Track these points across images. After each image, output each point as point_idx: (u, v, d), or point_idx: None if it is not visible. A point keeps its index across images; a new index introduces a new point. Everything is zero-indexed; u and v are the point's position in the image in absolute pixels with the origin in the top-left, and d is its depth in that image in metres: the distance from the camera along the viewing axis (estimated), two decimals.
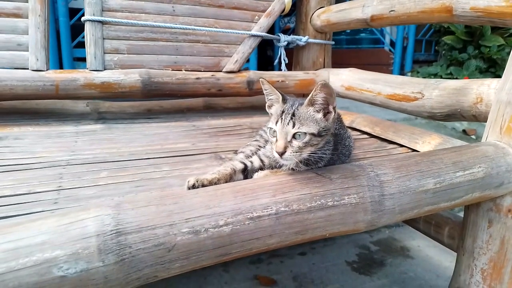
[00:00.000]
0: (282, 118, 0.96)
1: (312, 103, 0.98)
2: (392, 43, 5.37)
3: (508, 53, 1.21)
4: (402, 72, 5.27)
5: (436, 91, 1.54)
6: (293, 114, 0.95)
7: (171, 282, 1.86)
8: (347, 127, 1.67)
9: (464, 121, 1.47)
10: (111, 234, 0.72)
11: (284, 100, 1.00)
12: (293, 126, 0.94)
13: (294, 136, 0.94)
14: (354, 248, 2.24)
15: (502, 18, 1.30)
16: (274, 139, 0.97)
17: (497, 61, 4.31)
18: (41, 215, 0.74)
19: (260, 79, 1.03)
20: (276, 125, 0.96)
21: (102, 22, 1.88)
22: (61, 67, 3.44)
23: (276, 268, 2.02)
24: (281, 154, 0.93)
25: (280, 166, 1.04)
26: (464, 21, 1.46)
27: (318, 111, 0.98)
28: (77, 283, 0.69)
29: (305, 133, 0.94)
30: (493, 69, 4.36)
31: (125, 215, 0.75)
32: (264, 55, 4.97)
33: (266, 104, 1.06)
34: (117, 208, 0.76)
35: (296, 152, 0.94)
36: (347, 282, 1.91)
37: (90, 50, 1.85)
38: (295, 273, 1.97)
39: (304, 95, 2.53)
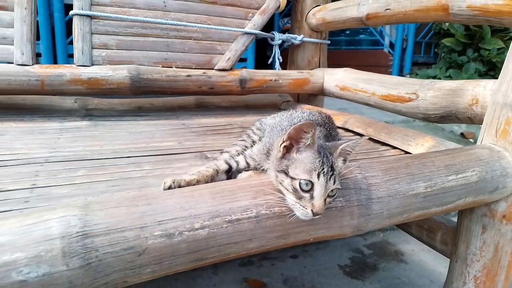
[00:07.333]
0: (324, 172, 0.79)
1: (343, 153, 0.86)
2: (392, 45, 5.35)
3: None
4: (401, 74, 5.24)
5: (430, 92, 1.50)
6: (332, 167, 0.81)
7: (159, 284, 1.82)
8: (339, 127, 1.63)
9: (459, 123, 1.43)
10: (76, 236, 0.67)
11: (318, 148, 0.83)
12: (334, 182, 0.81)
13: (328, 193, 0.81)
14: (347, 251, 2.19)
15: (498, 16, 1.25)
16: (307, 195, 0.79)
17: (496, 64, 4.28)
18: (4, 215, 0.70)
19: (311, 123, 0.79)
20: (318, 178, 0.78)
21: (91, 17, 1.83)
22: (55, 64, 3.41)
23: (267, 271, 1.98)
24: (317, 214, 0.78)
25: (264, 170, 0.99)
26: (461, 20, 1.42)
27: (343, 160, 0.87)
28: None
29: (338, 188, 0.83)
30: (493, 72, 4.33)
31: (93, 216, 0.70)
32: (263, 55, 4.94)
33: (284, 144, 0.84)
34: (84, 209, 0.71)
35: (325, 210, 0.81)
36: (338, 286, 1.87)
37: (77, 45, 1.80)
38: (285, 276, 1.93)
39: (299, 96, 2.50)
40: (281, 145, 0.85)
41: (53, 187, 0.99)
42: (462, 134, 3.58)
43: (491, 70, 4.36)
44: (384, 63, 5.36)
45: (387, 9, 1.75)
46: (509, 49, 1.16)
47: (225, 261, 0.83)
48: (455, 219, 1.37)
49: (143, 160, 1.25)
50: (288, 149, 0.85)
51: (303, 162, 0.81)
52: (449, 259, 1.36)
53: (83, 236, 0.67)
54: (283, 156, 0.85)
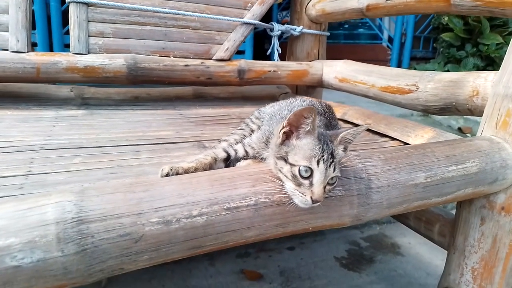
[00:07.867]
0: (324, 159, 0.78)
1: (343, 141, 0.86)
2: (390, 39, 5.32)
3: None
4: None
5: (431, 83, 1.49)
6: (332, 155, 0.81)
7: (156, 275, 1.81)
8: (339, 119, 1.62)
9: (459, 115, 1.42)
10: (72, 222, 0.66)
11: (318, 135, 0.82)
12: (334, 170, 0.80)
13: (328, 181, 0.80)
14: (344, 244, 2.19)
15: (501, 7, 1.24)
16: (307, 181, 0.78)
17: (495, 59, 4.28)
18: None
19: (311, 108, 0.79)
20: (318, 165, 0.78)
21: (88, 4, 1.80)
22: None
23: (264, 262, 1.98)
24: (316, 201, 0.78)
25: (263, 159, 0.98)
26: (462, 11, 1.40)
27: (343, 149, 0.87)
28: (33, 274, 0.64)
29: (338, 176, 0.82)
30: (491, 67, 4.33)
31: (89, 202, 0.69)
32: (261, 48, 4.90)
33: (284, 130, 0.83)
34: (80, 195, 0.70)
35: (324, 198, 0.80)
36: (335, 278, 1.87)
37: (73, 33, 1.78)
38: (282, 268, 1.93)
39: (297, 87, 2.48)
40: (280, 131, 0.84)
41: (48, 174, 0.98)
42: (459, 129, 3.58)
43: (490, 65, 4.36)
44: (382, 58, 5.34)
45: (388, 0, 1.73)
46: (511, 40, 1.15)
47: (222, 251, 0.82)
48: (453, 211, 1.36)
49: (140, 148, 1.24)
50: (287, 136, 0.84)
51: (303, 148, 0.81)
52: (446, 252, 1.36)
53: (79, 222, 0.66)
54: (282, 143, 0.84)
